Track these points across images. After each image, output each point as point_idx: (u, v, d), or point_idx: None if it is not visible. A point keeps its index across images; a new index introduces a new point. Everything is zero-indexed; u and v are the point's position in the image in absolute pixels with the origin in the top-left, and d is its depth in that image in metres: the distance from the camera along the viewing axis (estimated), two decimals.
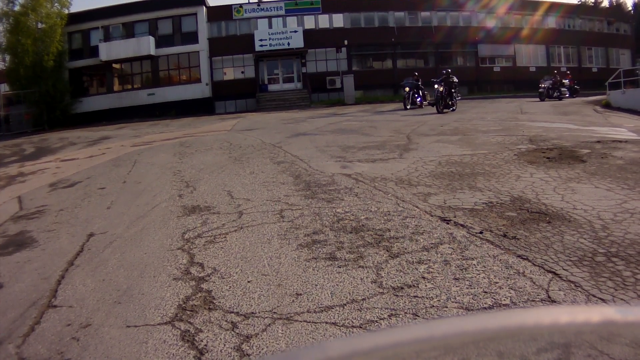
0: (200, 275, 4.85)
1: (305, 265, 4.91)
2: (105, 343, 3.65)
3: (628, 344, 0.76)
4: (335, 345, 0.65)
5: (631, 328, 0.71)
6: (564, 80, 34.01)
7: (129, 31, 41.46)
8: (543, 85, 33.01)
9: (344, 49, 42.09)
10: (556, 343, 0.75)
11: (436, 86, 24.50)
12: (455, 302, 3.87)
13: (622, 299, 3.74)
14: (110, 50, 40.19)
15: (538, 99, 32.46)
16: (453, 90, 24.51)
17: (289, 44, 41.79)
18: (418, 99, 28.79)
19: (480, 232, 5.56)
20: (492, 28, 46.59)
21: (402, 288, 4.18)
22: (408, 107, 27.72)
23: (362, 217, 6.42)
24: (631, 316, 0.70)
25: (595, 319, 0.69)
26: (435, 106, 24.51)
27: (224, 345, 3.47)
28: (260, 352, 3.35)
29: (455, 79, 24.77)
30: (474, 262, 4.69)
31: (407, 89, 28.53)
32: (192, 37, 41.75)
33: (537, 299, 3.84)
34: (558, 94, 32.83)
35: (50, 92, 36.18)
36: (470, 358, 0.71)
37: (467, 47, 46.32)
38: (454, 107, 24.51)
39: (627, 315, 0.70)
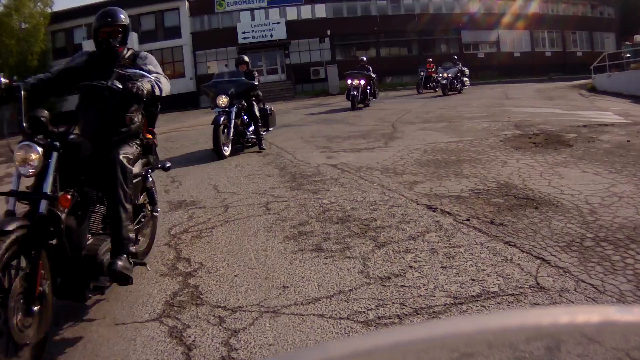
0: (187, 270, 4.81)
1: (292, 257, 4.88)
2: (93, 341, 3.62)
3: (624, 344, 0.74)
4: (335, 345, 0.65)
5: (628, 328, 0.70)
6: (464, 69, 29.58)
7: None
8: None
9: (327, 39, 42.08)
10: (552, 344, 0.73)
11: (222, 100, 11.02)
12: (443, 291, 3.85)
13: (611, 284, 3.74)
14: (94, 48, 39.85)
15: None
16: (252, 105, 11.87)
17: (272, 35, 41.70)
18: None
19: (467, 220, 5.56)
20: (475, 14, 46.65)
21: (389, 278, 4.17)
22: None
23: (348, 207, 6.40)
24: (629, 316, 0.69)
25: (592, 319, 0.69)
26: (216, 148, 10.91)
27: (212, 340, 3.45)
28: (248, 346, 3.32)
29: (256, 74, 12.58)
30: (461, 249, 4.68)
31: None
32: (175, 32, 41.62)
33: (526, 286, 3.83)
34: (460, 85, 28.42)
35: None
36: (471, 358, 0.70)
37: (450, 33, 46.45)
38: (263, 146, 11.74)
39: (624, 315, 0.69)
